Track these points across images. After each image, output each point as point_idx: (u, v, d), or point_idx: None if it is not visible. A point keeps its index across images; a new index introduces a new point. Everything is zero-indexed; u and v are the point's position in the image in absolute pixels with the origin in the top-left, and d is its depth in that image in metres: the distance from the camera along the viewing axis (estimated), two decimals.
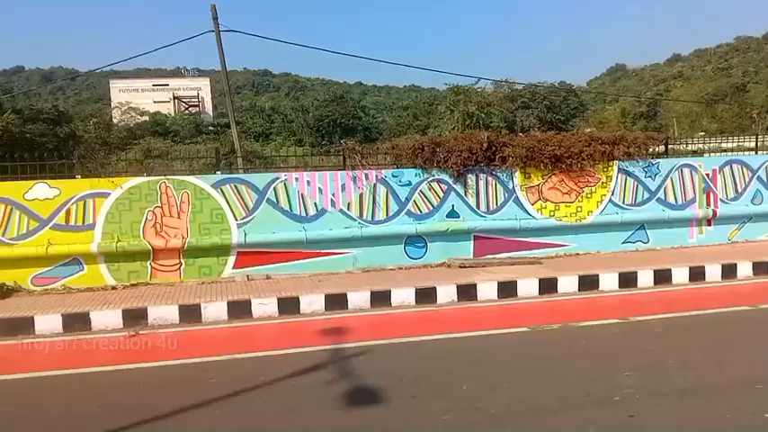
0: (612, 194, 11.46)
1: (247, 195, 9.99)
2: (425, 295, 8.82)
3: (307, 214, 10.23)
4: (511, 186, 11.01)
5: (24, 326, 7.74)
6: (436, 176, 10.69)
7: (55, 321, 7.81)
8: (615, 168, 11.45)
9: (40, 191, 9.38)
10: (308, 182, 10.25)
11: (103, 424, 4.76)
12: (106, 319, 7.91)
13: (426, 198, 10.66)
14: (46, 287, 9.39)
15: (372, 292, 8.70)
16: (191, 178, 9.90)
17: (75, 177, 9.85)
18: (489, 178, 10.93)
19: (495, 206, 10.95)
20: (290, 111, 71.00)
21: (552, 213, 11.17)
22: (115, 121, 60.79)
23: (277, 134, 66.13)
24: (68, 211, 9.43)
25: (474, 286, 9.02)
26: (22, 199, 9.31)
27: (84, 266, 9.50)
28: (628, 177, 11.53)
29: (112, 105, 69.12)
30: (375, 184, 10.46)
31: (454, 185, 10.75)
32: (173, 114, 69.06)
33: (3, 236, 9.26)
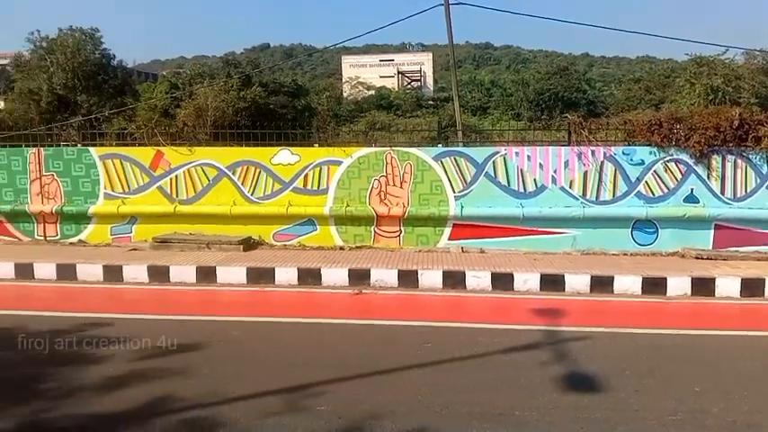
0: None
1: (466, 168, 10.06)
2: (653, 285, 8.14)
3: (525, 190, 10.02)
4: (765, 171, 9.63)
5: (267, 275, 8.72)
6: (674, 156, 9.74)
7: (292, 274, 8.68)
8: None
9: (284, 157, 10.41)
10: (528, 157, 10.00)
11: (333, 371, 5.19)
12: (334, 276, 8.59)
13: (661, 179, 9.78)
14: (285, 243, 10.46)
15: (593, 277, 8.27)
16: (414, 150, 10.24)
17: (313, 146, 10.75)
18: (739, 161, 9.67)
19: (743, 192, 9.68)
20: (509, 84, 69.79)
21: None
22: (345, 94, 65.19)
23: (495, 108, 65.54)
24: (306, 177, 10.35)
25: (712, 280, 8.10)
26: (269, 163, 10.42)
27: (318, 227, 10.39)
28: None
29: (343, 80, 74.10)
30: (602, 162, 9.86)
31: (695, 167, 9.70)
32: (396, 89, 72.00)
33: (252, 195, 10.48)
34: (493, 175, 10.04)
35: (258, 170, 10.45)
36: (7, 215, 10.90)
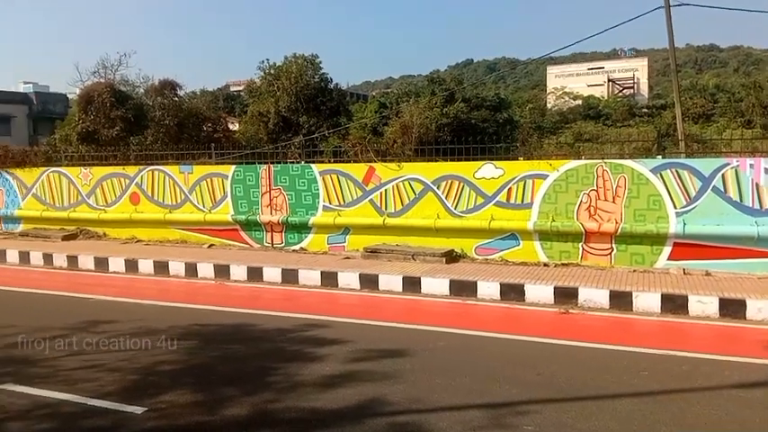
0: None
1: (690, 182, 9.19)
2: None
3: (761, 207, 8.86)
4: None
5: (469, 288, 8.76)
6: None
7: (494, 288, 8.62)
8: None
9: (488, 171, 10.40)
10: (765, 169, 8.84)
11: (539, 391, 5.07)
12: (539, 293, 8.36)
13: None
14: (486, 257, 10.43)
15: None
16: (629, 162, 9.61)
17: (517, 159, 10.61)
18: None
19: None
20: (738, 88, 62.43)
21: None
22: (549, 106, 63.48)
23: (720, 115, 59.01)
24: (509, 190, 10.23)
25: None
26: (472, 177, 10.49)
27: (521, 242, 10.21)
28: None
29: (547, 91, 72.28)
30: None
31: None
32: (605, 97, 68.40)
33: (455, 208, 10.63)
34: (722, 189, 9.04)
35: (462, 184, 10.58)
36: (242, 224, 12.33)
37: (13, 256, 12.15)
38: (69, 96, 40.72)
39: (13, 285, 10.05)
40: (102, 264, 11.23)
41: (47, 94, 47.56)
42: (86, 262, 11.36)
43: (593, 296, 8.07)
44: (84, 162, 14.82)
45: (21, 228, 14.47)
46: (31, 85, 48.63)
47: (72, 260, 11.50)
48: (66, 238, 13.41)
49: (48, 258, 11.77)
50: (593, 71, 76.36)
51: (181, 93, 26.47)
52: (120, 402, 4.91)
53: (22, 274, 11.20)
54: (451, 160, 11.08)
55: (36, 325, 7.20)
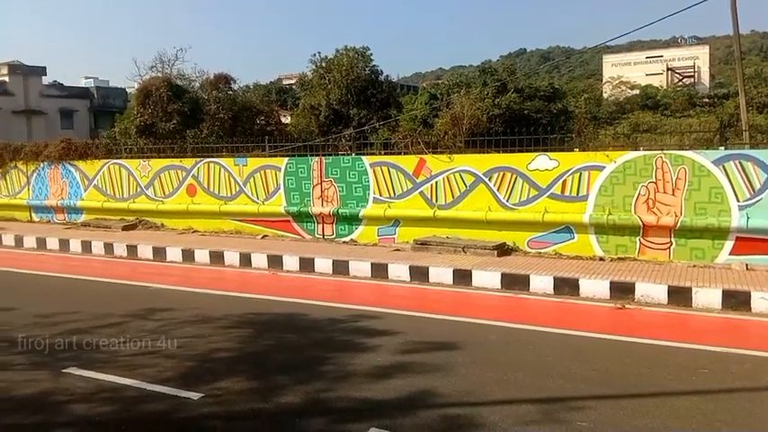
0: None
1: (754, 174, 8.79)
2: None
3: None
4: None
5: (521, 282, 8.64)
6: None
7: (547, 282, 8.48)
8: None
9: (542, 162, 10.21)
10: None
11: (594, 388, 4.95)
12: (594, 287, 8.17)
13: None
14: (539, 250, 10.26)
15: None
16: (690, 153, 9.27)
17: (573, 151, 10.37)
18: None
19: None
20: None
21: None
22: (605, 95, 61.78)
23: None
24: (564, 182, 10.02)
25: None
26: (525, 169, 10.32)
27: (575, 235, 9.99)
28: None
29: (603, 80, 70.30)
30: None
31: None
32: (664, 87, 66.09)
33: (507, 201, 10.48)
34: None
35: (514, 176, 10.42)
36: (294, 215, 12.49)
37: (75, 245, 12.67)
38: (128, 90, 42.16)
39: (77, 273, 10.47)
40: (160, 253, 11.58)
41: (107, 89, 49.29)
42: (145, 251, 11.74)
43: (651, 291, 7.84)
44: (142, 155, 15.31)
45: (83, 218, 15.06)
46: (92, 80, 50.54)
47: (131, 249, 11.91)
48: (126, 228, 13.89)
49: (108, 248, 12.23)
50: (652, 60, 73.73)
51: (235, 86, 26.96)
52: (177, 388, 5.04)
53: (85, 262, 11.66)
54: (504, 152, 10.91)
55: (98, 312, 7.49)
